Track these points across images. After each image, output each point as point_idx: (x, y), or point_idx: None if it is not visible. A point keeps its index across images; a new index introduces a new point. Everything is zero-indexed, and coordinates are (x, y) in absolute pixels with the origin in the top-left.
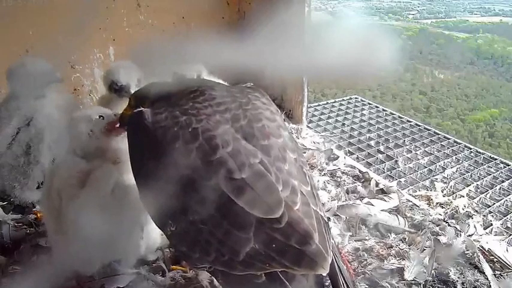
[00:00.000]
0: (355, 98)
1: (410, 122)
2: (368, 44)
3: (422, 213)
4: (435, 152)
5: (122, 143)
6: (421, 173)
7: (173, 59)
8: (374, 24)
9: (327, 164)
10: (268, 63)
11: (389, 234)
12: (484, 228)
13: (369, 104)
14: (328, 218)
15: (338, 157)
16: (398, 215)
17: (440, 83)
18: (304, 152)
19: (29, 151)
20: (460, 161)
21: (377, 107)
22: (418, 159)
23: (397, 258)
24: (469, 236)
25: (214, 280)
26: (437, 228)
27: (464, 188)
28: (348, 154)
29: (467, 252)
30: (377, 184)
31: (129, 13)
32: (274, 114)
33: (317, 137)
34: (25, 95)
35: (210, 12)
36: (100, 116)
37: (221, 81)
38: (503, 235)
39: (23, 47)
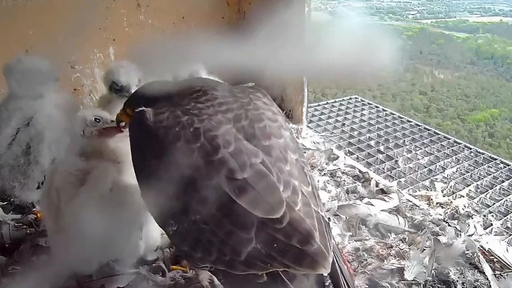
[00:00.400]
0: (355, 98)
1: (410, 122)
2: (368, 44)
3: (422, 213)
4: (435, 152)
5: (119, 143)
6: (421, 173)
7: (173, 59)
8: (374, 24)
9: (327, 164)
10: (268, 63)
11: (389, 234)
12: (484, 228)
13: (369, 104)
14: (329, 218)
15: (338, 157)
16: (398, 215)
17: (440, 83)
18: (304, 152)
19: (28, 151)
20: (460, 161)
21: (377, 107)
22: (418, 159)
23: (397, 258)
24: (469, 236)
25: (215, 280)
26: (437, 228)
27: (464, 188)
28: (348, 154)
29: (467, 252)
30: (377, 184)
31: (129, 13)
32: (275, 114)
33: (317, 137)
34: (23, 93)
35: (210, 12)
36: (96, 119)
37: (221, 81)
38: (503, 235)
39: (22, 47)
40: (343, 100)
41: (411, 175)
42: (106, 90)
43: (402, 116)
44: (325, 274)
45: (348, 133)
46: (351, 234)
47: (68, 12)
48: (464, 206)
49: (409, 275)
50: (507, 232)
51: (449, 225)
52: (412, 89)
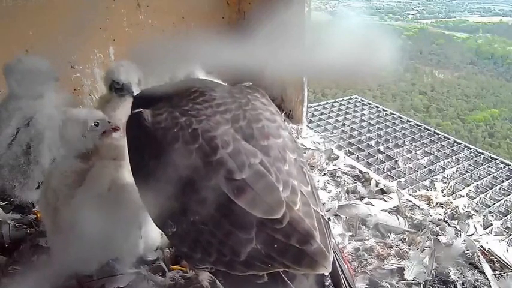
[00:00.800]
0: (355, 98)
1: (410, 122)
2: (368, 44)
3: (422, 213)
4: (435, 152)
5: (117, 142)
6: (421, 173)
7: (173, 59)
8: (374, 24)
9: (327, 164)
10: (268, 63)
11: (389, 234)
12: (484, 228)
13: (369, 104)
14: (329, 218)
15: (338, 157)
16: (398, 215)
17: (440, 83)
18: (304, 152)
19: (28, 151)
20: (460, 161)
21: (377, 107)
22: (418, 159)
23: (397, 258)
24: (469, 236)
25: (216, 280)
26: (437, 228)
27: (464, 188)
28: (348, 154)
29: (467, 252)
30: (377, 184)
31: (129, 13)
32: (274, 114)
33: (317, 137)
34: (23, 93)
35: (210, 12)
36: (95, 123)
37: (220, 82)
38: (503, 235)
39: (22, 47)
40: (343, 100)
41: (411, 175)
42: (106, 90)
43: (402, 116)
44: (326, 274)
45: (348, 133)
46: (351, 234)
47: (68, 12)
48: (464, 206)
49: (409, 275)
50: (507, 232)
51: (449, 225)
52: (412, 89)
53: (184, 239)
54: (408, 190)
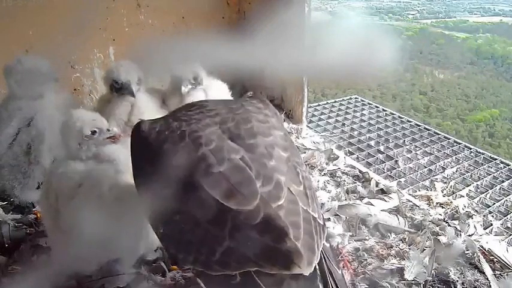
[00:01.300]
0: (355, 98)
1: (410, 122)
2: (368, 44)
3: (422, 213)
4: (435, 152)
5: (117, 143)
6: (421, 173)
7: (173, 59)
8: (374, 24)
9: (327, 164)
10: (268, 63)
11: (389, 234)
12: (484, 228)
13: (369, 104)
14: (328, 219)
15: (338, 157)
16: (398, 215)
17: (440, 83)
18: (304, 152)
19: (29, 151)
20: (460, 161)
21: (377, 107)
22: (418, 159)
23: (397, 258)
24: (469, 236)
25: None
26: (437, 228)
27: (464, 188)
28: (348, 154)
29: (467, 252)
30: (377, 184)
31: (129, 13)
32: (267, 117)
33: (317, 137)
34: (23, 94)
35: (210, 12)
36: (92, 131)
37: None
38: (503, 235)
39: (22, 47)
40: (343, 100)
41: (411, 175)
42: (106, 90)
43: (402, 116)
44: (306, 274)
45: (348, 133)
46: (351, 234)
47: (68, 12)
48: (464, 206)
49: (409, 275)
50: (507, 232)
51: (449, 225)
52: (412, 89)
53: (170, 240)
54: (408, 190)
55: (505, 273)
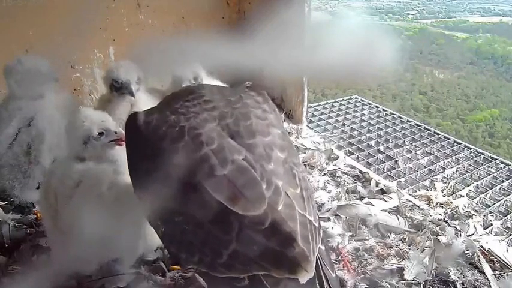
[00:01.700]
0: (355, 98)
1: (410, 122)
2: (368, 44)
3: (422, 213)
4: (435, 152)
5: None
6: (421, 173)
7: (173, 59)
8: (374, 24)
9: (327, 164)
10: (268, 63)
11: (389, 234)
12: (484, 228)
13: (369, 104)
14: (328, 219)
15: (338, 157)
16: (398, 215)
17: (440, 83)
18: (304, 152)
19: (29, 151)
20: (460, 161)
21: (377, 107)
22: (418, 159)
23: (397, 258)
24: (469, 236)
25: None
26: (437, 228)
27: (464, 188)
28: (348, 154)
29: (467, 252)
30: (377, 184)
31: (129, 13)
32: (266, 112)
33: (317, 137)
34: (23, 94)
35: (210, 12)
36: (100, 133)
37: (220, 82)
38: (503, 235)
39: (22, 47)
40: (343, 100)
41: (411, 175)
42: (106, 89)
43: (402, 116)
44: (303, 281)
45: (348, 133)
46: (351, 234)
47: (68, 12)
48: (464, 206)
49: (409, 275)
50: (507, 232)
51: (449, 225)
52: (412, 89)
53: (172, 239)
54: (408, 190)
55: (505, 273)
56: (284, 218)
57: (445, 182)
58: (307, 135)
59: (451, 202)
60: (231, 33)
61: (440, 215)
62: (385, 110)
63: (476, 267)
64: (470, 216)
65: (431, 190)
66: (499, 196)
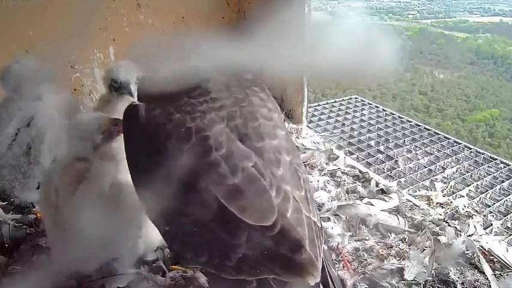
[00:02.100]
0: (355, 98)
1: (410, 122)
2: (368, 44)
3: (422, 213)
4: (435, 152)
5: (118, 141)
6: (421, 173)
7: (173, 59)
8: (374, 24)
9: (327, 164)
10: (268, 63)
11: (389, 234)
12: (484, 228)
13: (369, 104)
14: (328, 219)
15: (338, 157)
16: (398, 215)
17: (440, 83)
18: (304, 152)
19: (29, 151)
20: (460, 161)
21: (377, 107)
22: (418, 159)
23: (397, 258)
24: (469, 236)
25: None
26: (437, 228)
27: (464, 188)
28: (348, 154)
29: (467, 252)
30: (377, 184)
31: (129, 13)
32: (271, 111)
33: (317, 137)
34: (22, 95)
35: (210, 12)
36: (105, 132)
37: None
38: (503, 235)
39: (23, 47)
40: (343, 100)
41: (411, 175)
42: (106, 89)
43: (402, 116)
44: (312, 284)
45: (348, 133)
46: (351, 234)
47: (68, 12)
48: (464, 206)
49: (409, 275)
50: (507, 232)
51: (449, 225)
52: (412, 89)
53: (175, 238)
54: (408, 190)
55: (505, 273)
56: (293, 225)
57: (445, 182)
58: (307, 135)
59: (451, 202)
60: (231, 33)
61: (440, 215)
62: (385, 110)
63: (476, 267)
64: (470, 216)
65: (431, 190)
66: (499, 196)
